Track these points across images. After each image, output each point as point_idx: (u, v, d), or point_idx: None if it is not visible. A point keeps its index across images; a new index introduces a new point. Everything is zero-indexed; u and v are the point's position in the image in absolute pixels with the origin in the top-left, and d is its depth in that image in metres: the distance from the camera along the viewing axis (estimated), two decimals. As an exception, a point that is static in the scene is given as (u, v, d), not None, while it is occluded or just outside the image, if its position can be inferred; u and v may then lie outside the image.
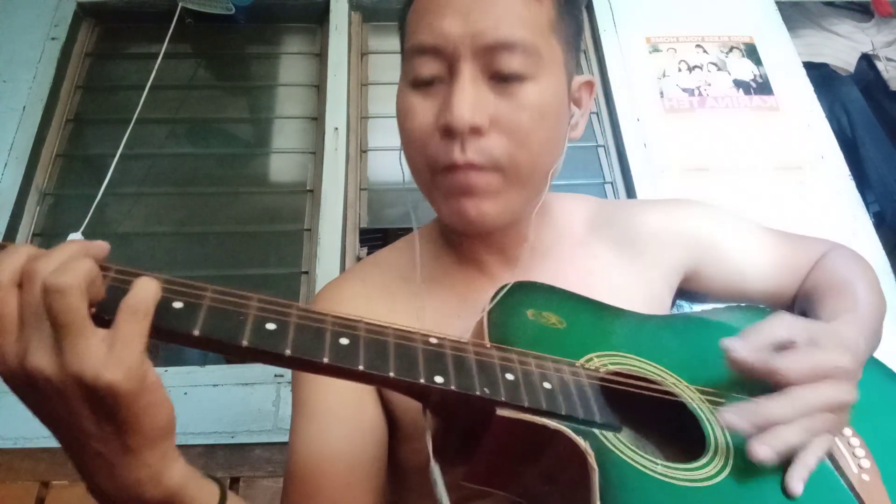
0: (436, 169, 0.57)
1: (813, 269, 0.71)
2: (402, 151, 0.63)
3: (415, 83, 0.58)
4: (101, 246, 0.39)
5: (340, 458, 0.58)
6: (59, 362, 0.35)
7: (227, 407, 1.20)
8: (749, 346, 0.49)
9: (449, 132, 0.54)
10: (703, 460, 0.48)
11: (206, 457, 1.15)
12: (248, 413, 1.20)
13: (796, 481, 0.47)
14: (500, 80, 0.55)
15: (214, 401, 1.21)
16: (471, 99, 0.53)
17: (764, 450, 0.45)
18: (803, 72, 1.67)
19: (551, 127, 0.58)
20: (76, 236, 1.30)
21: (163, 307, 0.37)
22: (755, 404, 0.47)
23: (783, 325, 0.52)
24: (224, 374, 1.24)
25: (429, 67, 0.56)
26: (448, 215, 0.59)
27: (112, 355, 0.35)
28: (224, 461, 1.15)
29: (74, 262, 0.35)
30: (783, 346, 0.51)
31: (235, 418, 1.19)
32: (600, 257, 0.69)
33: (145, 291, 0.36)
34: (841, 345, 0.52)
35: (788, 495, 0.47)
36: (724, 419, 0.47)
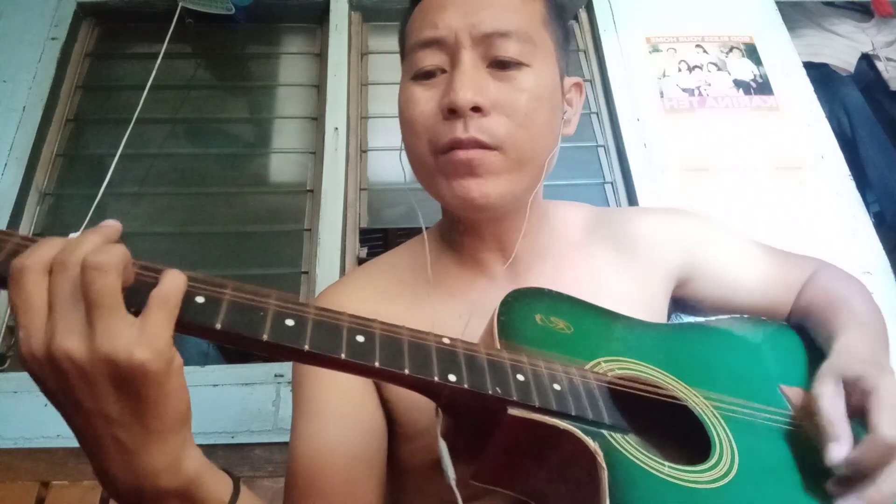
0: (438, 149, 0.59)
1: (806, 286, 0.72)
2: (403, 147, 0.64)
3: (417, 76, 0.61)
4: (115, 226, 0.41)
5: (341, 455, 0.58)
6: (90, 343, 0.36)
7: (227, 407, 1.20)
8: (840, 443, 0.50)
9: (453, 112, 0.57)
10: (709, 463, 0.48)
11: (205, 457, 1.15)
12: (248, 413, 1.20)
13: None
14: (499, 66, 0.59)
15: (214, 401, 1.21)
16: (473, 81, 0.57)
17: None
18: (803, 72, 1.67)
19: (547, 112, 0.61)
20: (76, 236, 1.30)
21: (186, 301, 0.38)
22: (877, 490, 0.48)
23: (831, 398, 0.52)
24: (224, 374, 1.24)
25: (431, 59, 0.60)
26: (451, 197, 0.60)
27: (143, 337, 0.36)
28: (224, 461, 1.15)
29: (110, 246, 0.37)
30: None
31: (235, 418, 1.19)
32: (599, 260, 0.70)
33: (175, 283, 0.38)
34: (864, 362, 0.53)
35: None
36: None
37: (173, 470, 0.39)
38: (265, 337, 0.39)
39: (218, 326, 0.39)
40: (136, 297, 0.38)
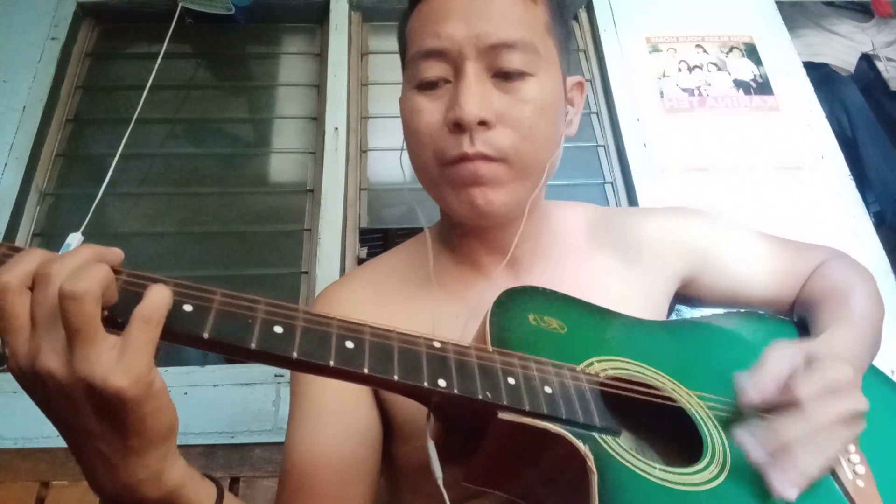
0: (444, 162, 0.59)
1: (811, 277, 0.72)
2: (406, 152, 0.65)
3: (420, 86, 0.60)
4: (116, 253, 0.40)
5: (333, 457, 0.58)
6: (70, 365, 0.36)
7: (227, 407, 1.20)
8: (758, 386, 0.50)
9: (458, 126, 0.57)
10: (701, 465, 0.48)
11: (205, 457, 1.15)
12: (247, 413, 1.20)
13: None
14: (504, 77, 0.58)
15: (214, 401, 1.21)
16: (477, 95, 0.57)
17: (788, 490, 0.45)
18: (803, 72, 1.67)
19: (551, 120, 0.61)
20: (76, 236, 1.30)
21: (173, 310, 0.38)
22: (771, 429, 0.48)
23: (781, 358, 0.52)
24: (224, 374, 1.24)
25: (435, 70, 0.59)
26: (457, 205, 0.60)
27: (121, 362, 0.36)
28: (224, 461, 1.15)
29: (90, 268, 0.36)
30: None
31: (235, 418, 1.19)
32: (600, 262, 0.70)
33: (158, 300, 0.37)
34: (837, 357, 0.52)
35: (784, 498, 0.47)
36: (741, 442, 0.48)
37: (154, 481, 0.40)
38: (253, 345, 0.39)
39: (205, 335, 0.38)
40: (123, 309, 0.37)
